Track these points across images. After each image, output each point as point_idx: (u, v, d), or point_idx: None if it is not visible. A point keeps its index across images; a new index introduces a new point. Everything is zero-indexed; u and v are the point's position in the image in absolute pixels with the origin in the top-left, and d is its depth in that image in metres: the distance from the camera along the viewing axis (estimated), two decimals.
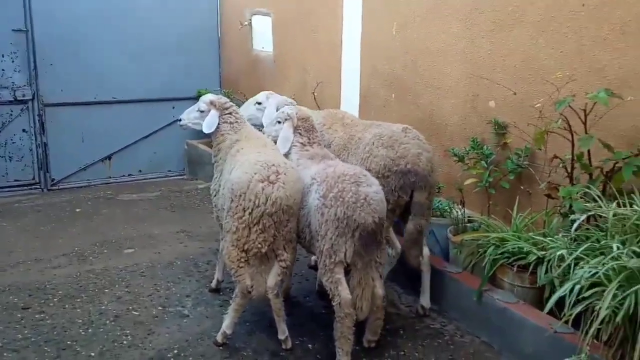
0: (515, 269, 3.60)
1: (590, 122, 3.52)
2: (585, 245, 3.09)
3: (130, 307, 4.03)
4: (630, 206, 3.16)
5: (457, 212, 4.39)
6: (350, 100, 6.07)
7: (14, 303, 4.07)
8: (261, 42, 7.78)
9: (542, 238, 3.54)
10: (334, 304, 3.30)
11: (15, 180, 7.01)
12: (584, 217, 3.13)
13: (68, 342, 3.58)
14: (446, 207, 4.51)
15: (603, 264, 2.96)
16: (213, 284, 4.25)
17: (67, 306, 4.03)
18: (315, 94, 6.35)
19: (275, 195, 3.29)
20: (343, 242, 3.28)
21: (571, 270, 3.07)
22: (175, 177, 7.89)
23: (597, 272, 2.91)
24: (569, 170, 3.54)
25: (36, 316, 3.89)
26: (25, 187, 7.04)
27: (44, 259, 4.82)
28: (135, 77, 7.58)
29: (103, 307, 4.02)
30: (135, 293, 4.23)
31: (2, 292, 4.21)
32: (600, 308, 2.81)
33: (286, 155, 3.82)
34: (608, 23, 3.62)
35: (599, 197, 3.26)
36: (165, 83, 7.83)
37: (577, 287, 2.97)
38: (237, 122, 3.96)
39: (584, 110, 3.47)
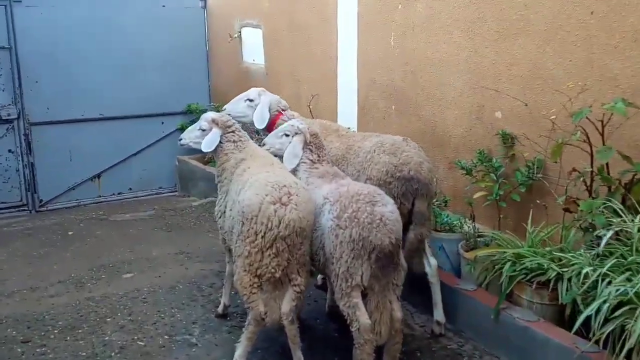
0: (534, 285, 3.50)
1: (607, 133, 3.45)
2: (612, 262, 3.00)
3: (135, 336, 3.86)
4: None
5: (467, 226, 4.29)
6: (347, 113, 5.97)
7: (13, 336, 3.88)
8: (252, 54, 7.66)
9: (561, 254, 3.44)
10: (352, 329, 3.17)
11: (2, 203, 6.82)
12: (611, 232, 3.03)
13: None
14: (456, 222, 4.41)
15: (630, 280, 2.89)
16: (220, 309, 4.09)
17: (68, 338, 3.85)
18: (310, 106, 6.24)
19: (288, 217, 3.15)
20: (359, 265, 3.15)
21: (599, 288, 2.98)
22: (167, 194, 7.73)
23: (626, 290, 2.83)
24: (588, 183, 3.45)
25: (37, 350, 3.71)
26: (13, 209, 6.85)
27: (39, 287, 4.63)
28: (122, 93, 7.43)
29: (107, 338, 3.84)
30: (139, 321, 4.06)
31: (0, 325, 4.02)
32: (634, 328, 2.72)
33: (292, 172, 3.69)
34: (619, 31, 3.55)
35: (621, 210, 3.18)
36: (154, 98, 7.69)
37: (606, 305, 2.89)
38: (240, 140, 3.82)
39: (601, 122, 3.39)
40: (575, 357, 3.07)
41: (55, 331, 3.94)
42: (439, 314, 3.92)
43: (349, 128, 5.30)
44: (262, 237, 3.16)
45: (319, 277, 4.42)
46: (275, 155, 3.78)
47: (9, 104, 6.71)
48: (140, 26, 7.46)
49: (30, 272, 4.94)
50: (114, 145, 7.49)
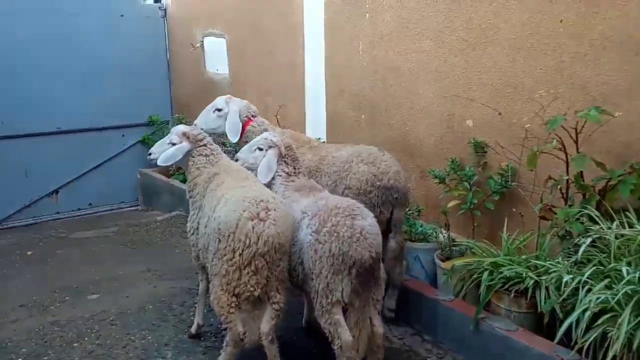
0: (512, 294, 3.49)
1: (580, 141, 3.47)
2: (592, 269, 3.01)
3: None
4: (630, 226, 3.11)
5: (442, 236, 4.27)
6: (316, 122, 5.90)
7: None
8: (215, 64, 7.52)
9: (538, 261, 3.45)
10: (334, 347, 3.10)
11: None
12: (589, 240, 3.05)
13: None
14: (430, 231, 4.39)
15: (611, 288, 2.90)
16: (193, 329, 3.94)
17: None
18: (278, 116, 6.14)
19: (266, 233, 3.06)
20: (339, 280, 3.09)
21: (579, 296, 2.98)
22: (129, 209, 7.51)
23: (607, 297, 2.84)
24: (564, 190, 3.47)
25: None
26: None
27: None
28: (80, 106, 7.21)
29: None
30: (108, 345, 3.87)
31: None
32: (616, 335, 2.73)
33: (267, 185, 3.60)
34: (588, 39, 3.60)
35: (597, 217, 3.20)
36: (114, 110, 7.48)
37: (587, 313, 2.89)
38: (213, 154, 3.71)
39: (575, 129, 3.41)
40: None
41: (19, 359, 3.73)
42: (391, 303, 4.02)
43: (319, 138, 5.28)
44: (240, 254, 3.06)
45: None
46: (249, 170, 3.68)
47: None
48: (99, 36, 7.25)
49: None
50: (73, 159, 7.25)
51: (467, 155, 4.40)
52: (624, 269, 2.88)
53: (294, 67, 6.11)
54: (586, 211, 3.27)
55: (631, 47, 3.40)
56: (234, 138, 4.28)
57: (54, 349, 3.85)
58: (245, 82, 6.98)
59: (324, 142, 5.32)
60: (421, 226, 4.45)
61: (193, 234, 3.67)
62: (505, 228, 3.87)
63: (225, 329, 3.19)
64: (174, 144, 3.73)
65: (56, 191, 7.24)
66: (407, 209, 4.11)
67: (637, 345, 2.70)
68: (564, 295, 3.10)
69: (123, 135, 7.69)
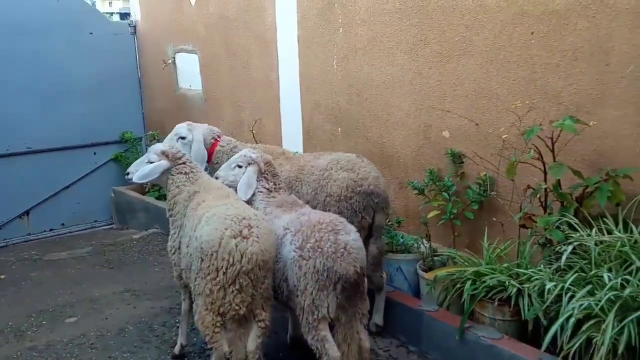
0: (496, 302, 3.52)
1: (556, 150, 3.54)
2: (574, 276, 3.05)
3: None
4: (609, 233, 3.17)
5: (424, 246, 4.30)
6: (292, 136, 5.90)
7: None
8: (188, 80, 7.48)
9: (521, 269, 3.49)
10: None
11: None
12: (571, 247, 3.10)
13: None
14: (411, 242, 4.41)
15: (593, 294, 2.95)
16: (176, 350, 3.86)
17: None
18: (253, 131, 6.13)
19: (250, 251, 3.03)
20: (325, 296, 3.07)
21: (563, 302, 3.02)
22: (104, 228, 7.39)
23: (590, 304, 2.88)
24: (543, 199, 3.52)
25: None
26: None
27: None
28: (51, 125, 7.10)
29: None
30: None
31: None
32: (601, 340, 2.77)
33: (248, 202, 3.58)
34: (559, 50, 3.68)
35: (577, 224, 3.26)
36: (85, 128, 7.39)
37: (572, 320, 2.93)
38: (192, 172, 3.67)
39: (551, 139, 3.48)
40: None
41: None
42: (379, 319, 4.06)
43: (296, 152, 5.26)
44: (224, 273, 3.03)
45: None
46: (230, 187, 3.66)
47: None
48: (68, 54, 7.17)
49: None
50: (44, 179, 7.12)
51: (445, 166, 4.44)
52: (606, 275, 2.93)
53: (269, 82, 6.11)
54: (565, 219, 3.33)
55: (601, 57, 3.48)
56: (201, 166, 4.26)
57: None
58: (219, 97, 6.95)
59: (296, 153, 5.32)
60: (402, 237, 4.47)
61: (174, 253, 3.61)
62: (485, 237, 3.91)
63: (210, 349, 3.14)
64: (152, 163, 3.68)
65: (27, 212, 7.09)
66: (388, 214, 4.12)
67: (621, 350, 2.75)
68: (548, 303, 3.14)
69: (95, 153, 7.59)
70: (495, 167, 3.97)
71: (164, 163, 3.68)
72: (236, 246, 3.02)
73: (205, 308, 3.09)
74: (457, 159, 4.31)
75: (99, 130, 7.48)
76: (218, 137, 4.45)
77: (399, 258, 4.32)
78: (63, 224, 7.33)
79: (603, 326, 2.80)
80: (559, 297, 3.09)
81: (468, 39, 4.20)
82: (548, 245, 3.45)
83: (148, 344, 4.11)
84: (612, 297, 2.82)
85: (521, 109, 3.78)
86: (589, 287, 3.01)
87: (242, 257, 3.02)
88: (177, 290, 4.63)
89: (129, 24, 8.03)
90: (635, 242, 3.08)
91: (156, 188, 6.95)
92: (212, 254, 3.03)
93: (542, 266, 3.37)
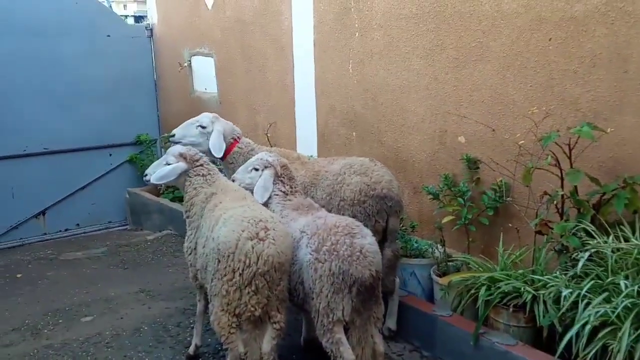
0: (511, 309, 3.51)
1: (573, 156, 3.53)
2: (590, 283, 3.04)
3: None
4: (626, 240, 3.16)
5: (438, 251, 4.29)
6: (307, 140, 5.92)
7: None
8: (203, 83, 7.54)
9: (536, 276, 3.48)
10: None
11: None
12: (587, 254, 3.09)
13: None
14: (426, 247, 4.41)
15: (610, 301, 2.94)
16: (191, 350, 3.88)
17: None
18: (268, 134, 6.16)
19: (266, 253, 3.05)
20: (340, 299, 3.08)
21: (579, 309, 3.01)
22: (118, 229, 7.46)
23: (606, 311, 2.87)
24: (559, 205, 3.52)
25: None
26: None
27: None
28: (68, 126, 7.20)
29: None
30: None
31: None
32: (617, 348, 2.76)
33: (265, 205, 3.60)
34: (577, 57, 3.67)
35: (594, 231, 3.25)
36: (101, 130, 7.48)
37: (587, 327, 2.92)
38: (210, 174, 3.70)
39: (568, 145, 3.47)
40: None
41: None
42: (392, 323, 4.05)
43: (310, 156, 5.29)
44: (240, 274, 3.05)
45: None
46: (246, 190, 3.68)
47: None
48: (85, 56, 7.27)
49: None
50: (60, 179, 7.21)
51: (460, 171, 4.44)
52: (622, 283, 2.92)
53: (284, 85, 6.14)
54: (582, 225, 3.31)
55: (620, 64, 3.48)
56: (218, 153, 4.26)
57: None
58: (234, 100, 6.99)
59: (311, 157, 5.34)
60: (416, 242, 4.47)
61: (190, 254, 3.64)
62: (500, 243, 3.90)
63: (225, 350, 3.15)
64: (169, 165, 3.71)
65: (43, 212, 7.17)
66: (401, 217, 4.11)
67: (638, 358, 2.74)
68: (563, 309, 3.13)
69: (110, 155, 7.66)
70: (511, 173, 3.96)
71: (182, 165, 3.71)
72: (252, 248, 3.04)
73: (222, 309, 3.11)
74: (472, 164, 4.31)
75: (114, 132, 7.57)
76: (238, 137, 4.42)
77: (413, 263, 4.31)
78: (78, 225, 7.41)
79: (619, 334, 2.79)
80: (574, 304, 3.08)
81: (485, 45, 4.21)
82: (564, 251, 3.44)
83: (163, 343, 4.13)
84: (628, 305, 2.80)
85: (538, 115, 3.78)
86: (605, 294, 3.00)
87: (258, 258, 3.04)
88: (191, 291, 4.67)
89: (146, 27, 8.12)
90: None
91: (170, 190, 7.00)
92: (228, 256, 3.05)
93: (557, 273, 3.36)
